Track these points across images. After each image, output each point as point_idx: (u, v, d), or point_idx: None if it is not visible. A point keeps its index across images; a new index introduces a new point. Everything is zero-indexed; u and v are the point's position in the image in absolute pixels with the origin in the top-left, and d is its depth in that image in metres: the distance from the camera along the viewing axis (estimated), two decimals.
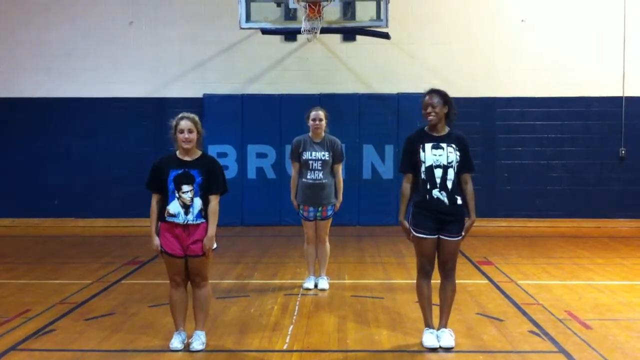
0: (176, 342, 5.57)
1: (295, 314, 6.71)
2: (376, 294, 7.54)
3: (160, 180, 5.43)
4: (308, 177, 7.46)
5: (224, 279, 8.30)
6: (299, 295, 7.45)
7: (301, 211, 7.60)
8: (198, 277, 5.61)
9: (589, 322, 6.35)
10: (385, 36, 11.74)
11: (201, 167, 5.46)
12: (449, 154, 5.52)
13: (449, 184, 5.50)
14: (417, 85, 12.81)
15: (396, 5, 11.52)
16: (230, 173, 13.06)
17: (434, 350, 5.55)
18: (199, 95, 13.28)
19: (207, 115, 13.17)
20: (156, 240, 5.50)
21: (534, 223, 13.08)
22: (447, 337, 5.59)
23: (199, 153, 5.56)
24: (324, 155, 7.47)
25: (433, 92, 5.62)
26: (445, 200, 5.49)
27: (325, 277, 7.76)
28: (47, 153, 13.51)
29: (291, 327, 6.25)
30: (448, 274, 5.69)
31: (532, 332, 6.07)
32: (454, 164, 5.51)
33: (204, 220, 5.47)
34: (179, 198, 5.38)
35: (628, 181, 13.30)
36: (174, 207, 5.40)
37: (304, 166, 7.49)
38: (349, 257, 9.84)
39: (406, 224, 5.60)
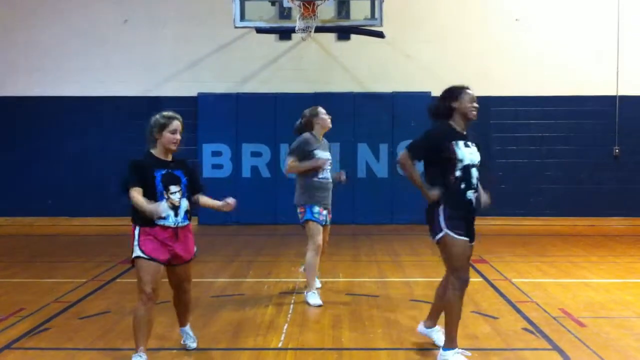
0: None
1: (290, 312, 6.71)
2: (371, 292, 7.55)
3: (144, 179, 5.00)
4: (320, 177, 7.02)
5: (218, 278, 8.30)
6: (294, 294, 7.46)
7: (317, 214, 6.99)
8: (186, 283, 5.31)
9: (583, 319, 6.37)
10: (380, 35, 11.76)
11: (182, 167, 5.22)
12: (477, 153, 5.15)
13: (478, 186, 5.21)
14: (411, 84, 12.92)
15: (391, 4, 11.54)
16: (225, 172, 13.07)
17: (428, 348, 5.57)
18: (194, 94, 13.27)
19: (201, 114, 13.19)
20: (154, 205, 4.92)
21: (528, 221, 13.11)
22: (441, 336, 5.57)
23: (171, 155, 5.24)
24: (329, 155, 7.18)
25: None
26: (474, 204, 5.20)
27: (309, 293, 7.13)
28: (41, 152, 13.48)
29: (286, 325, 6.25)
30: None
31: (526, 329, 6.09)
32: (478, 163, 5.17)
33: (188, 222, 5.21)
34: (168, 199, 5.02)
35: (622, 180, 13.35)
36: (164, 208, 4.99)
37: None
38: (344, 256, 9.85)
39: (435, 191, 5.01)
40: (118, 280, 8.26)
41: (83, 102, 13.48)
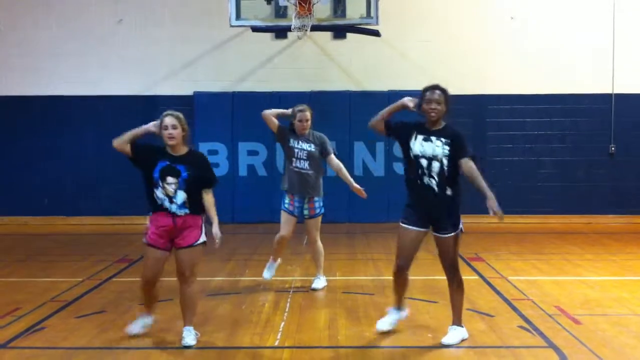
0: (136, 326, 5.83)
1: (287, 310, 6.72)
2: (367, 290, 7.56)
3: (148, 160, 5.52)
4: (294, 165, 7.41)
5: (215, 277, 8.29)
6: (290, 292, 7.46)
7: (287, 201, 7.44)
8: (188, 271, 5.60)
9: (579, 317, 6.38)
10: (376, 34, 11.76)
11: (188, 163, 5.55)
12: (435, 147, 5.56)
13: (435, 175, 5.56)
14: (407, 82, 12.88)
15: (386, 2, 11.53)
16: (221, 170, 13.06)
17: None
18: (190, 93, 13.25)
19: (197, 113, 13.16)
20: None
21: (524, 219, 13.13)
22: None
23: (185, 149, 5.63)
24: (310, 146, 7.43)
25: (437, 88, 5.66)
26: (438, 194, 5.56)
27: (321, 277, 7.70)
28: (36, 151, 13.45)
29: (282, 323, 6.26)
30: (448, 271, 5.73)
31: (522, 327, 6.10)
32: (440, 157, 5.53)
33: (188, 212, 5.53)
34: (163, 188, 5.47)
35: (617, 177, 13.37)
36: (159, 194, 5.50)
37: (289, 154, 7.44)
38: (340, 254, 9.85)
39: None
40: (114, 279, 8.25)
41: (79, 102, 13.45)
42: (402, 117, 5.79)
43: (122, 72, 13.47)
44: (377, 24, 11.19)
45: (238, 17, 11.23)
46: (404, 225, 5.74)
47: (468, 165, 5.56)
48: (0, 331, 6.02)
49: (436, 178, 5.55)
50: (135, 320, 5.89)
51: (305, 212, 7.48)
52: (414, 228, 5.68)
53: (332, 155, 7.56)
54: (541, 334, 5.87)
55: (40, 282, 8.04)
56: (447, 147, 5.55)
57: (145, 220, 5.67)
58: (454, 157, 5.55)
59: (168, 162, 5.50)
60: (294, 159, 7.42)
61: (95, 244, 11.02)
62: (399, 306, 5.95)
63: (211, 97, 13.27)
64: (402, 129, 5.73)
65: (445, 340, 5.61)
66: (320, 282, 7.66)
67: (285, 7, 11.54)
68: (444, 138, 5.57)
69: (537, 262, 9.20)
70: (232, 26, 11.40)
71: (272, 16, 12.14)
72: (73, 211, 13.38)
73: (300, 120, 7.45)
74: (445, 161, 5.53)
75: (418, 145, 5.59)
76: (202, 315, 6.51)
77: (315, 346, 5.65)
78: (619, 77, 13.27)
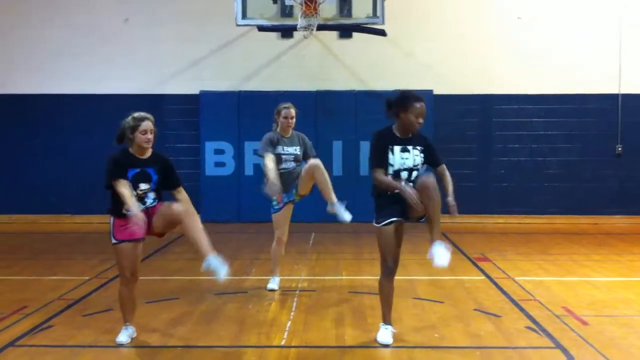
0: (124, 337, 5.63)
1: (293, 310, 6.72)
2: (373, 290, 7.52)
3: (123, 174, 5.42)
4: (281, 167, 7.24)
5: None
6: (297, 292, 7.47)
7: (275, 203, 7.32)
8: (185, 206, 5.42)
9: (586, 318, 6.37)
10: (382, 33, 11.75)
11: (156, 164, 5.56)
12: (415, 157, 5.49)
13: (412, 182, 5.45)
14: (413, 82, 12.87)
15: (392, 2, 11.54)
16: (228, 170, 13.08)
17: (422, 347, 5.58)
18: (196, 92, 13.27)
19: (203, 112, 13.19)
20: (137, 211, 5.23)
21: (530, 220, 13.11)
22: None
23: (150, 151, 5.63)
24: (295, 150, 7.37)
25: (422, 99, 5.49)
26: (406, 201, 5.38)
27: (339, 203, 7.30)
28: (43, 150, 13.50)
29: (289, 323, 6.26)
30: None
31: (528, 327, 6.09)
32: (420, 166, 5.51)
33: (157, 201, 5.56)
34: (135, 195, 5.41)
35: (624, 178, 13.34)
36: (140, 217, 5.26)
37: (277, 160, 7.27)
38: (346, 254, 9.85)
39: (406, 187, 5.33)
40: None
41: (85, 100, 13.49)
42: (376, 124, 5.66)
43: (128, 70, 13.49)
44: (383, 23, 11.19)
45: (244, 16, 11.24)
46: (382, 225, 5.57)
47: (445, 172, 5.65)
48: (7, 329, 6.04)
49: (412, 184, 5.42)
50: (121, 332, 5.69)
51: (295, 196, 7.34)
52: (393, 219, 5.50)
53: (313, 158, 7.33)
54: (548, 335, 5.86)
55: (48, 281, 8.06)
56: (422, 155, 5.54)
57: None
58: (428, 163, 5.58)
59: (138, 169, 5.48)
60: (281, 163, 7.28)
61: (102, 243, 10.95)
62: (389, 321, 5.69)
63: (217, 96, 13.28)
64: (383, 148, 5.50)
65: (440, 261, 5.34)
66: (344, 211, 7.31)
67: (291, 7, 11.55)
68: (419, 146, 5.52)
69: (544, 263, 9.18)
70: (238, 25, 11.42)
71: (278, 15, 12.15)
72: (80, 209, 13.41)
73: (285, 117, 7.35)
74: (420, 169, 5.53)
75: (398, 158, 5.47)
76: (208, 314, 6.52)
77: (322, 346, 5.65)
78: (625, 77, 13.25)
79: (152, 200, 5.55)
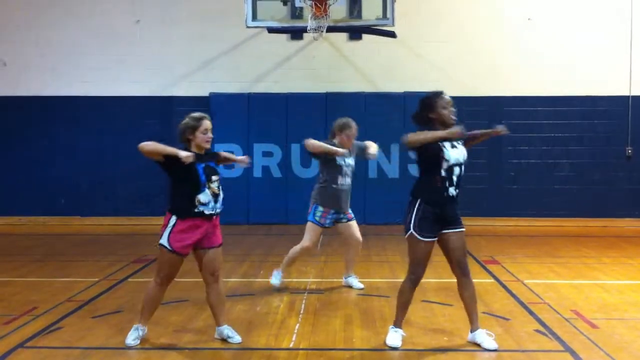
0: (131, 338, 5.65)
1: (302, 312, 6.72)
2: (382, 292, 7.54)
3: (187, 170, 5.42)
4: (339, 182, 7.25)
5: (230, 278, 8.30)
6: (305, 294, 7.46)
7: (319, 214, 7.32)
8: (219, 270, 5.69)
9: (596, 321, 6.34)
10: (392, 35, 11.75)
11: (213, 159, 5.73)
12: (462, 151, 5.52)
13: (459, 182, 5.51)
14: (423, 84, 12.82)
15: (402, 3, 11.52)
16: (236, 172, 13.09)
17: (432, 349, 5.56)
18: (206, 94, 13.30)
19: (213, 114, 13.13)
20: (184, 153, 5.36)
21: (540, 222, 13.06)
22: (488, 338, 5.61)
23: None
24: (353, 161, 7.42)
25: (442, 92, 5.59)
26: (456, 197, 5.50)
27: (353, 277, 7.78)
28: (53, 151, 13.56)
29: (297, 325, 6.26)
30: (465, 271, 5.59)
31: (538, 331, 6.06)
32: (465, 161, 5.52)
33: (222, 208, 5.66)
34: (210, 188, 5.49)
35: (635, 180, 13.27)
36: (205, 196, 5.47)
37: (336, 171, 7.27)
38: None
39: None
40: (130, 279, 8.29)
41: (96, 102, 13.54)
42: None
43: (138, 72, 13.53)
44: (393, 25, 11.17)
45: (254, 18, 11.25)
46: (423, 238, 5.47)
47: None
48: (17, 331, 6.06)
49: (455, 183, 5.46)
50: (130, 333, 5.71)
51: (343, 219, 7.46)
52: (432, 240, 5.52)
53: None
54: (558, 338, 5.84)
55: (57, 282, 8.09)
56: (465, 148, 5.58)
57: (160, 221, 5.65)
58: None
59: (204, 163, 5.55)
60: (339, 177, 7.27)
61: (112, 244, 11.07)
62: (400, 325, 5.72)
63: (227, 98, 13.30)
64: (432, 148, 5.43)
65: (489, 345, 5.54)
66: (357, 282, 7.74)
67: (301, 8, 11.54)
68: (460, 140, 5.55)
69: (553, 266, 9.14)
70: (248, 27, 11.42)
71: (288, 17, 12.15)
72: (90, 211, 13.46)
73: (348, 137, 7.33)
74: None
75: (452, 153, 5.41)
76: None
77: (331, 348, 5.64)
78: (636, 78, 13.18)
79: (222, 200, 5.60)
